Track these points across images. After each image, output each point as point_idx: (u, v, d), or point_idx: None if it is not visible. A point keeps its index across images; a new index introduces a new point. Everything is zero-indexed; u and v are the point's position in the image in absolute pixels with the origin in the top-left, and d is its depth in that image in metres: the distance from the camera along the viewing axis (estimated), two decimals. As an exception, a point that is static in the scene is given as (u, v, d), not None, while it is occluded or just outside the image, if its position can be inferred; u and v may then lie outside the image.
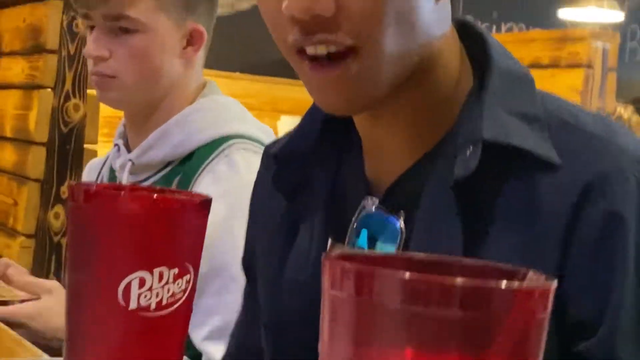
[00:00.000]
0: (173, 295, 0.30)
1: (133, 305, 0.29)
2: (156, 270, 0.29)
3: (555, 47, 2.72)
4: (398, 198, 0.43)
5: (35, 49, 1.69)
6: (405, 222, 0.41)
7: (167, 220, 0.32)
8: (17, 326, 0.77)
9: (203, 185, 0.80)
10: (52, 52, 1.62)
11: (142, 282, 0.28)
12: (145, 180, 0.87)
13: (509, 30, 4.14)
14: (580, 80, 2.54)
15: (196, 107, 0.88)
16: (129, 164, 0.86)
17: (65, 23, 1.62)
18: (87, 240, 0.31)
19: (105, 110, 1.57)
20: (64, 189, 1.60)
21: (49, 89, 1.62)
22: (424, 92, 0.43)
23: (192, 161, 0.84)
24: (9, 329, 0.74)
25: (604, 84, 2.56)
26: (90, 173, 1.01)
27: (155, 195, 0.37)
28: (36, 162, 1.62)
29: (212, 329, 0.76)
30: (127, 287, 0.29)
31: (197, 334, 0.76)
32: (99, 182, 0.91)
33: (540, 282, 0.14)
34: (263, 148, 0.59)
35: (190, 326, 0.35)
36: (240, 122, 0.89)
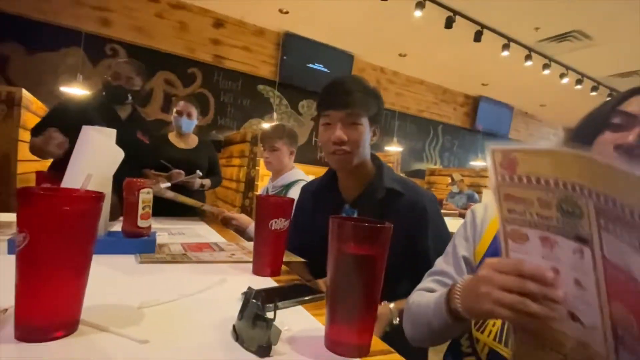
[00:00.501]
0: (283, 226, 0.93)
1: (272, 228, 0.92)
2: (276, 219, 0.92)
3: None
4: (356, 205, 1.05)
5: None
6: (357, 213, 1.03)
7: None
8: (230, 224, 1.63)
9: (290, 193, 1.80)
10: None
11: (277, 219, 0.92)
12: (276, 192, 1.92)
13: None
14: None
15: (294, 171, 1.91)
16: (272, 185, 1.94)
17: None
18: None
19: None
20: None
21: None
22: (362, 168, 1.05)
23: (288, 185, 1.76)
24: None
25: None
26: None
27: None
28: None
29: None
30: (271, 223, 0.92)
31: None
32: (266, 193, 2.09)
33: (388, 225, 0.54)
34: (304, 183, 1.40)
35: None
36: (300, 176, 1.90)
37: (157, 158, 2.22)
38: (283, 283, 0.86)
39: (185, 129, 2.36)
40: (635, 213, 0.33)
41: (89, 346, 0.49)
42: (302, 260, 1.03)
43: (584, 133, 0.68)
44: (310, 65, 5.35)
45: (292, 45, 5.16)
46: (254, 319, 0.52)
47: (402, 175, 1.20)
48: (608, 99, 0.67)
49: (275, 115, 5.23)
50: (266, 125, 1.96)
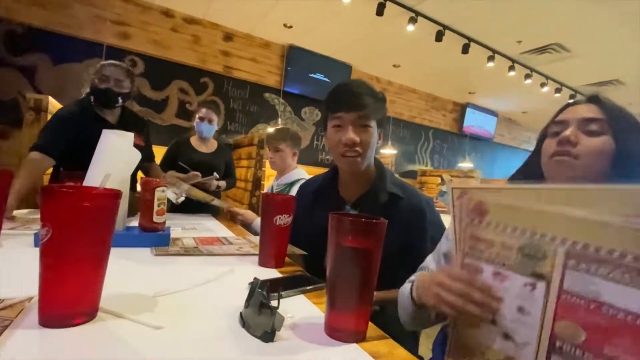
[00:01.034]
0: (286, 221, 0.92)
1: (277, 223, 0.90)
2: (280, 215, 0.91)
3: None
4: (357, 206, 1.01)
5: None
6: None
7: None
8: (237, 219, 1.61)
9: (293, 191, 1.72)
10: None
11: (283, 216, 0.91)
12: (280, 189, 1.87)
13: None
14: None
15: (296, 170, 1.84)
16: (276, 183, 1.88)
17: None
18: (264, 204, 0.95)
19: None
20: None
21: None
22: (366, 171, 1.01)
23: (292, 184, 1.69)
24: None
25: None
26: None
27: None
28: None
29: None
30: (276, 219, 0.91)
31: None
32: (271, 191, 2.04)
33: (383, 221, 0.54)
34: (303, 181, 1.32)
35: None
36: (302, 175, 1.82)
37: (179, 160, 2.22)
38: (286, 274, 0.85)
39: (207, 134, 2.35)
40: (614, 253, 0.37)
41: (107, 332, 0.48)
42: (304, 252, 1.03)
43: (535, 150, 0.76)
44: (312, 75, 5.35)
45: (295, 57, 5.16)
46: (260, 307, 0.52)
47: (397, 176, 1.18)
48: None
49: (280, 120, 5.23)
50: (271, 130, 1.99)
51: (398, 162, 6.56)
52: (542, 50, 4.59)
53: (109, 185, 0.63)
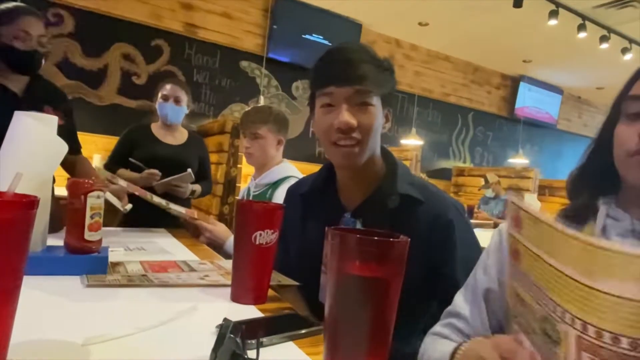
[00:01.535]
0: (270, 239, 0.92)
1: (257, 242, 0.90)
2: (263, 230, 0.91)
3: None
4: (359, 214, 1.01)
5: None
6: (361, 225, 1.00)
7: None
8: (204, 235, 1.59)
9: (277, 194, 1.77)
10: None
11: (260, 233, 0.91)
12: (259, 192, 1.94)
13: None
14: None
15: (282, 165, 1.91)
16: (254, 184, 1.97)
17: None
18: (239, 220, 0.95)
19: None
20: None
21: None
22: (370, 166, 1.01)
23: (275, 184, 1.76)
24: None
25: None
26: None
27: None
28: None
29: None
30: (255, 236, 0.90)
31: None
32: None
33: (404, 239, 0.53)
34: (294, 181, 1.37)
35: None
36: (290, 172, 1.87)
37: (134, 155, 2.22)
38: (269, 312, 0.85)
39: (173, 119, 2.34)
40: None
41: (17, 395, 0.48)
42: (295, 283, 1.02)
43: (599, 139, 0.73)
44: (308, 37, 5.36)
45: (284, 11, 5.16)
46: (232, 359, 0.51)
47: (423, 176, 1.17)
48: None
49: (262, 99, 5.24)
50: (248, 109, 1.97)
51: (425, 157, 6.56)
52: (623, 3, 4.60)
53: (21, 190, 0.62)
